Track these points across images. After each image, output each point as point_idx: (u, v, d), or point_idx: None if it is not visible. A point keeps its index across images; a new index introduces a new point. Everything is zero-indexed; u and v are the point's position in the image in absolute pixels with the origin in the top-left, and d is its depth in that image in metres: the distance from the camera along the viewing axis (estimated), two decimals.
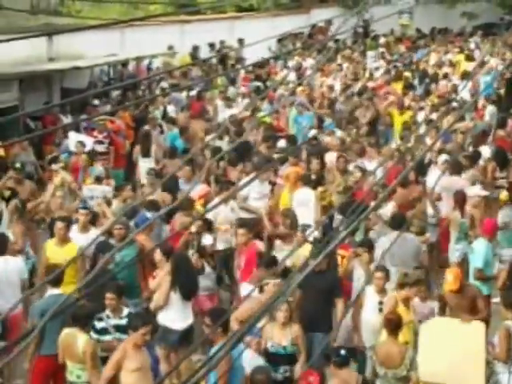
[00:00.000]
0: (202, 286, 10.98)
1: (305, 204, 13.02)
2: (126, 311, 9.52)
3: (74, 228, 11.52)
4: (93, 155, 15.53)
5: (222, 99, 20.52)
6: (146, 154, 16.31)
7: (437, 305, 10.28)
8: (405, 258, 11.15)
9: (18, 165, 13.94)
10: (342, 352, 8.77)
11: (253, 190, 13.19)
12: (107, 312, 9.41)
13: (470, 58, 26.48)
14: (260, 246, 11.50)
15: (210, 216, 12.08)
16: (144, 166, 15.73)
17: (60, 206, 12.78)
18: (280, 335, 9.29)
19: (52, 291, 9.49)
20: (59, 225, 11.09)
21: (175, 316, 10.03)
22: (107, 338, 9.29)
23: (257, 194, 13.28)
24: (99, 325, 9.30)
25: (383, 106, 19.72)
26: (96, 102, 19.14)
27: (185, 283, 10.07)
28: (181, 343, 10.03)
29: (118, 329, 9.34)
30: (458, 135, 16.37)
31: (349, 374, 8.75)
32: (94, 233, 11.33)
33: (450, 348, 9.03)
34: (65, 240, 11.03)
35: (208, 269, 11.17)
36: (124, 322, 9.35)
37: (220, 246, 12.38)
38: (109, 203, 12.94)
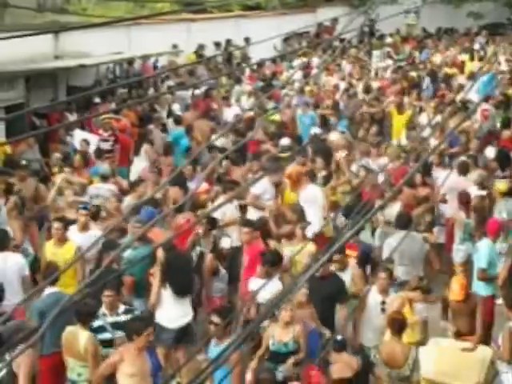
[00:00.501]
0: (216, 288, 11.02)
1: (312, 201, 13.00)
2: (122, 308, 9.46)
3: (74, 228, 11.42)
4: (99, 153, 15.50)
5: (222, 98, 20.55)
6: (137, 152, 16.36)
7: (424, 306, 10.25)
8: (413, 256, 11.19)
9: (23, 162, 13.93)
10: (339, 337, 8.83)
11: (266, 193, 13.16)
12: (103, 310, 9.33)
13: (474, 59, 26.46)
14: (271, 244, 11.46)
15: (216, 214, 12.09)
16: (137, 164, 15.73)
17: (70, 204, 12.70)
18: (282, 333, 9.29)
19: (49, 290, 9.46)
20: (56, 225, 10.99)
21: (169, 314, 9.95)
22: (105, 336, 9.21)
23: (270, 196, 13.23)
24: (96, 323, 9.19)
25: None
26: (97, 100, 19.11)
27: (176, 280, 10.00)
28: (177, 342, 9.98)
29: (116, 326, 9.28)
30: (471, 140, 16.31)
31: (349, 357, 8.80)
32: (94, 232, 11.19)
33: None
34: (63, 240, 10.93)
35: (222, 271, 11.16)
36: (121, 318, 9.31)
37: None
38: (120, 201, 12.89)
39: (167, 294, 10.01)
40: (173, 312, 9.99)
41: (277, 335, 9.29)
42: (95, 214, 11.95)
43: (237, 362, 8.51)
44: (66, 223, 11.16)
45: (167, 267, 10.05)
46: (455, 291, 9.97)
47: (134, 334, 8.50)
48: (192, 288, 10.35)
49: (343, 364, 8.78)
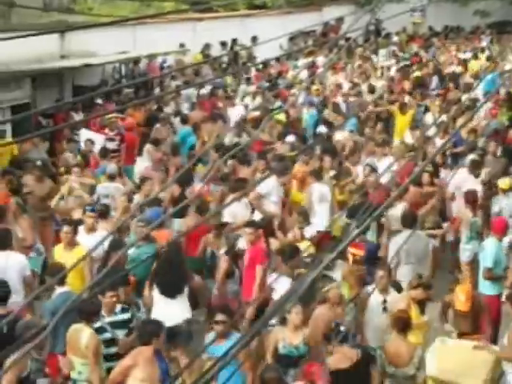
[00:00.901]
0: (230, 290, 10.97)
1: (324, 199, 13.06)
2: (118, 307, 9.47)
3: (81, 229, 11.33)
4: (105, 153, 15.49)
5: (226, 98, 20.54)
6: (139, 153, 16.37)
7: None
8: (419, 255, 11.19)
9: (39, 162, 13.94)
10: (342, 329, 8.78)
11: (272, 193, 13.15)
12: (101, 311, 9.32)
13: (478, 57, 26.44)
14: (274, 244, 11.43)
15: (227, 216, 12.10)
16: (139, 164, 15.72)
17: (79, 205, 12.65)
18: (292, 336, 9.17)
19: (59, 289, 9.50)
20: (65, 229, 10.88)
21: (157, 314, 9.87)
22: (105, 336, 9.19)
23: (276, 198, 13.23)
24: (95, 325, 9.12)
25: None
26: (99, 101, 19.04)
27: (162, 281, 9.96)
28: (167, 342, 9.92)
29: (114, 325, 9.30)
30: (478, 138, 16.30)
31: (349, 349, 8.75)
32: (101, 234, 11.07)
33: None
34: (72, 244, 10.81)
35: (237, 272, 11.14)
36: (118, 317, 9.36)
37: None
38: (130, 200, 12.83)
39: (156, 294, 10.02)
40: (160, 312, 9.88)
41: (287, 338, 9.18)
42: (104, 213, 11.95)
43: (246, 359, 8.52)
44: (75, 226, 11.07)
45: (156, 268, 10.05)
46: (461, 301, 9.85)
47: (154, 336, 8.43)
48: (181, 290, 10.16)
49: (341, 355, 8.71)
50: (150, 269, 10.45)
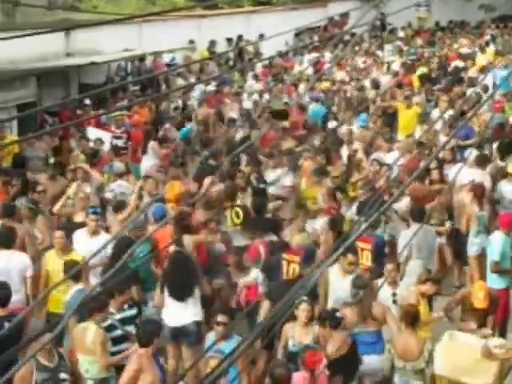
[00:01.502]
0: None
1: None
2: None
3: (84, 232, 11.18)
4: (115, 150, 15.45)
5: (233, 94, 20.56)
6: (144, 151, 16.39)
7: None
8: (430, 249, 11.19)
9: (52, 160, 13.87)
10: (338, 314, 8.80)
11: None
12: (110, 309, 9.30)
13: (484, 52, 26.37)
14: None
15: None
16: (145, 163, 15.71)
17: (83, 207, 12.57)
18: (302, 334, 9.10)
19: (76, 287, 9.56)
20: (58, 234, 10.63)
21: (166, 314, 9.83)
22: (116, 333, 9.20)
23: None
24: (105, 323, 9.11)
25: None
26: (87, 101, 18.92)
27: (169, 284, 9.90)
28: (173, 340, 9.82)
29: (123, 322, 9.33)
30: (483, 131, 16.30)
31: (342, 334, 8.76)
32: (104, 237, 10.90)
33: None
34: (65, 250, 10.57)
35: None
36: (127, 313, 9.41)
37: None
38: (140, 197, 12.77)
39: (166, 295, 9.97)
40: (171, 311, 9.82)
41: (297, 336, 9.11)
42: (118, 207, 11.88)
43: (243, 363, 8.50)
44: (71, 230, 10.90)
45: (165, 270, 10.06)
46: (480, 299, 9.80)
47: (154, 336, 8.41)
48: (191, 292, 9.87)
49: (339, 341, 8.71)
50: (149, 266, 10.50)
